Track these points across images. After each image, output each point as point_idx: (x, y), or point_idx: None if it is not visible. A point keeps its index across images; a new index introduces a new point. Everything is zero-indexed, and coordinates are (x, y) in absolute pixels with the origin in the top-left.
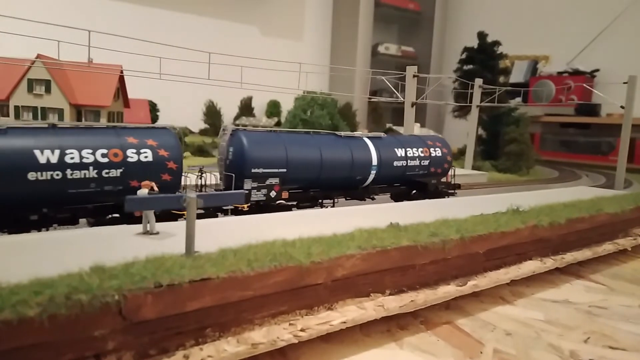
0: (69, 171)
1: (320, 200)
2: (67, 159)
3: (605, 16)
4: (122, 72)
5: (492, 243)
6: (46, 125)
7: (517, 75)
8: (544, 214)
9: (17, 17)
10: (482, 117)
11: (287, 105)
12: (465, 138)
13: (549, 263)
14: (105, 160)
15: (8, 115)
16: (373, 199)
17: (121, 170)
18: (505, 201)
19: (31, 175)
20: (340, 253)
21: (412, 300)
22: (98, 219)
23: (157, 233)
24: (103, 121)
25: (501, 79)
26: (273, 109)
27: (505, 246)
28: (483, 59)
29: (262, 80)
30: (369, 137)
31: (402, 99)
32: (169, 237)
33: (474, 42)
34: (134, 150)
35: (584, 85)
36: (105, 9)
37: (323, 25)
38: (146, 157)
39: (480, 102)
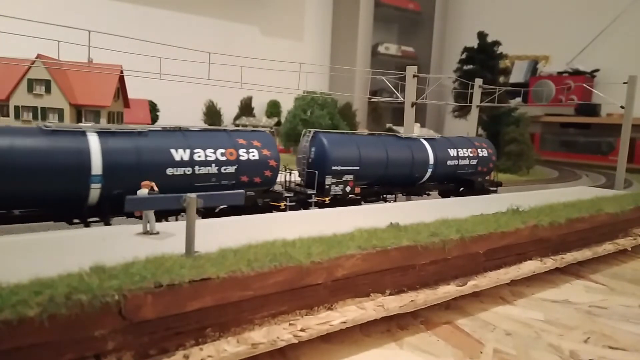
0: (197, 167)
1: (383, 195)
2: (195, 157)
3: (605, 16)
4: (122, 72)
5: (492, 243)
6: (178, 129)
7: (517, 75)
8: (544, 214)
9: (17, 17)
10: (482, 117)
11: (287, 105)
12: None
13: (549, 263)
14: (224, 158)
15: (8, 116)
16: (428, 195)
17: (235, 167)
18: (505, 201)
19: (169, 171)
20: (340, 253)
21: (412, 300)
22: (209, 211)
23: (157, 233)
24: (103, 121)
25: (501, 79)
26: (273, 109)
27: (505, 246)
28: (483, 59)
29: (262, 80)
30: (425, 138)
31: (402, 99)
32: (169, 237)
33: (474, 42)
34: (245, 150)
35: (584, 85)
36: (105, 9)
37: (323, 25)
38: (253, 155)
39: (480, 102)
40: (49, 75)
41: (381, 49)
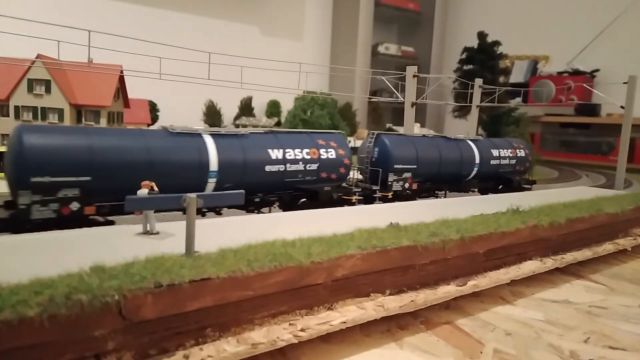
0: (288, 165)
1: (434, 192)
2: (287, 156)
3: (605, 16)
4: (122, 72)
5: (492, 243)
6: (270, 131)
7: (517, 75)
8: (544, 214)
9: (17, 17)
10: (482, 117)
11: (287, 105)
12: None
13: (549, 263)
14: (308, 157)
15: (8, 116)
16: (473, 191)
17: (317, 164)
18: (505, 201)
19: (267, 168)
20: (340, 253)
21: (412, 300)
22: (292, 203)
23: (157, 233)
24: (103, 121)
25: (501, 79)
26: (273, 109)
27: (505, 246)
28: (483, 59)
29: (262, 80)
30: (470, 140)
31: (402, 99)
32: (169, 237)
33: (474, 42)
34: (324, 150)
35: (584, 85)
36: (105, 9)
37: (323, 25)
38: (331, 155)
39: (480, 102)
40: (49, 75)
41: (381, 49)
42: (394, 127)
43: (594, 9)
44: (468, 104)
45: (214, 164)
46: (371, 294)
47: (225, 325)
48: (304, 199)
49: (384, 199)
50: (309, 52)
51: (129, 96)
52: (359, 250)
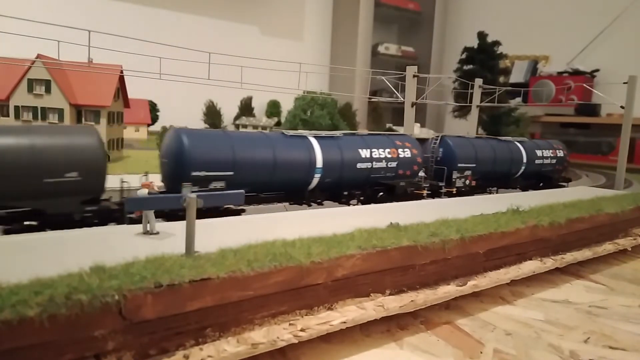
0: (374, 163)
1: (487, 189)
2: (374, 155)
3: (605, 16)
4: (122, 72)
5: (492, 243)
6: (354, 133)
7: (517, 75)
8: (544, 214)
9: (17, 17)
10: (482, 117)
11: (287, 105)
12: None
13: (549, 263)
14: (390, 156)
15: (8, 116)
16: (521, 189)
17: (396, 162)
18: (505, 201)
19: (358, 165)
20: (340, 253)
21: (412, 300)
22: (372, 197)
23: (157, 233)
24: (103, 121)
25: (501, 79)
26: (273, 109)
27: (505, 246)
28: (483, 59)
29: (262, 80)
30: (518, 141)
31: (402, 99)
32: (169, 237)
33: (474, 42)
34: (402, 150)
35: (584, 85)
36: (105, 9)
37: (323, 25)
38: (407, 154)
39: (480, 102)
40: (49, 75)
41: (381, 49)
42: (394, 127)
43: (594, 9)
44: (468, 104)
45: (319, 162)
46: (371, 294)
47: (225, 325)
48: (382, 193)
49: (449, 194)
50: (309, 52)
51: (129, 96)
52: (359, 250)
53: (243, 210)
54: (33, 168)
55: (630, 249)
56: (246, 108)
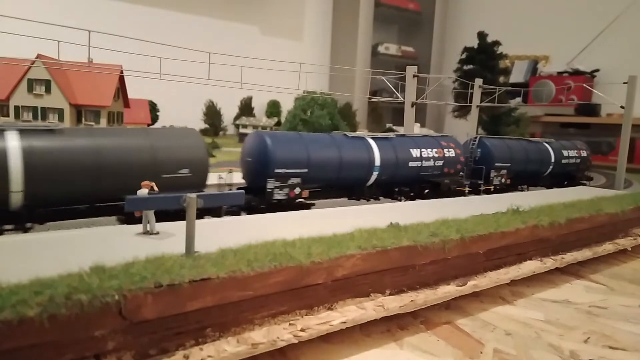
0: (423, 161)
1: (519, 187)
2: (423, 154)
3: (605, 16)
4: (122, 72)
5: (492, 243)
6: (403, 135)
7: (517, 75)
8: (544, 214)
9: (17, 17)
10: (482, 117)
11: (287, 105)
12: (465, 138)
13: (549, 263)
14: (437, 155)
15: (8, 116)
16: (549, 187)
17: (442, 162)
18: (505, 201)
19: (410, 164)
20: (340, 253)
21: (412, 300)
22: (419, 193)
23: (157, 233)
24: (103, 121)
25: (501, 79)
26: (273, 109)
27: (505, 246)
28: (483, 59)
29: (262, 80)
30: (546, 142)
31: (402, 99)
32: (169, 237)
33: (474, 42)
34: (447, 150)
35: (584, 85)
36: (105, 9)
37: (323, 25)
38: (452, 154)
39: (480, 102)
40: (49, 75)
41: (381, 49)
42: (394, 127)
43: (594, 9)
44: (468, 104)
45: (377, 161)
46: (371, 294)
47: (225, 325)
48: (427, 190)
49: (487, 191)
50: (309, 52)
51: (129, 96)
52: (359, 250)
53: (313, 204)
54: (154, 165)
55: (630, 249)
56: (246, 108)
